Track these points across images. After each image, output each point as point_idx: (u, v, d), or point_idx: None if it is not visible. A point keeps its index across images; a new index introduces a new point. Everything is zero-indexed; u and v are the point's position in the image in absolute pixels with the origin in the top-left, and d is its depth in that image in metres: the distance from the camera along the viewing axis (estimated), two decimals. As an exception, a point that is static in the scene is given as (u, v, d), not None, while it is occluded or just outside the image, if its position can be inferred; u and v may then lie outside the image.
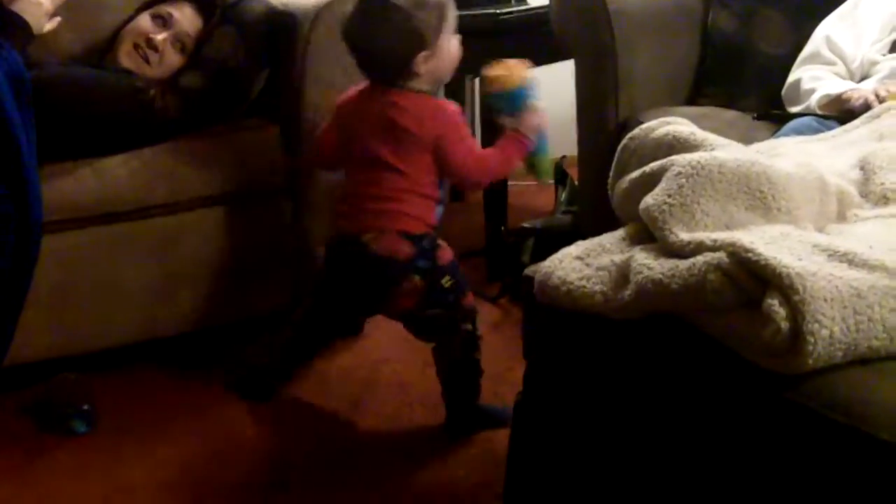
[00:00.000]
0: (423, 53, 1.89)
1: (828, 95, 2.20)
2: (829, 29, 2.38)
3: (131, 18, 2.37)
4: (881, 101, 2.02)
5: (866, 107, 2.02)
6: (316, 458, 1.96)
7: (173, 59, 2.30)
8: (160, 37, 2.29)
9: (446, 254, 1.98)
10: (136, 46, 2.29)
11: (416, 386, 2.20)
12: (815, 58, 2.35)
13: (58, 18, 2.17)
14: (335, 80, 2.25)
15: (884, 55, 2.27)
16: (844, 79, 2.30)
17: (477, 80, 2.97)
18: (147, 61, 2.28)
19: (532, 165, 2.08)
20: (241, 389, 2.17)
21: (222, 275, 2.28)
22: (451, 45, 1.95)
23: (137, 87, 2.16)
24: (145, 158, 2.15)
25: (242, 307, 2.35)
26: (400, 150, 1.91)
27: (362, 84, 2.00)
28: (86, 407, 2.05)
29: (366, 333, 2.44)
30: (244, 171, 2.26)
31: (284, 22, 2.27)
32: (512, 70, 1.99)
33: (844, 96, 2.16)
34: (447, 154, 1.92)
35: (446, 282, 1.96)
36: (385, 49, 1.89)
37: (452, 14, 1.94)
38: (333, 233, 2.02)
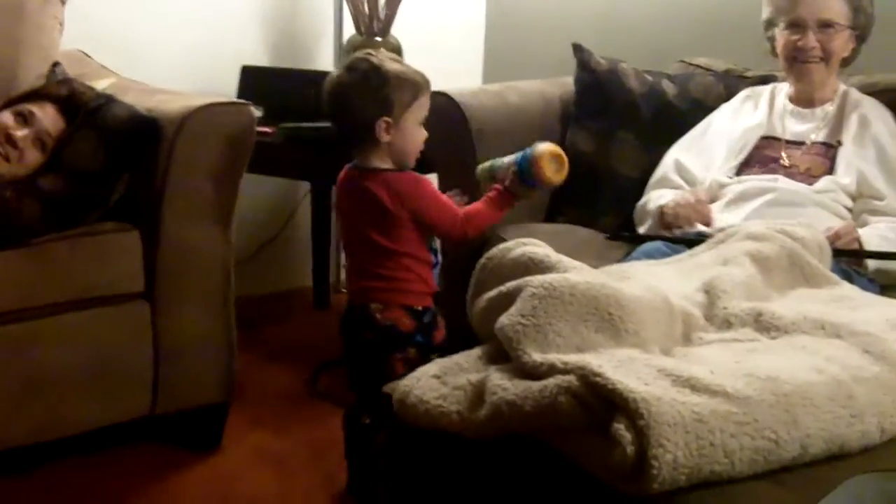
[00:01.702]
0: (386, 119, 1.97)
1: (658, 206, 2.33)
2: (678, 153, 2.49)
3: (-7, 115, 2.33)
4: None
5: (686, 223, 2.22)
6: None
7: (33, 156, 2.26)
8: (20, 133, 2.25)
9: (440, 334, 2.07)
10: (-6, 141, 2.25)
11: (270, 500, 2.20)
12: (664, 182, 2.45)
13: None
14: (199, 186, 2.25)
15: (730, 178, 2.37)
16: None
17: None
18: (6, 158, 2.23)
19: None
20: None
21: (78, 382, 2.19)
22: (416, 130, 2.04)
23: (-8, 191, 2.11)
24: (-6, 263, 2.08)
25: (99, 415, 2.26)
26: (387, 231, 2.00)
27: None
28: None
29: (222, 447, 2.41)
30: (101, 275, 2.20)
31: (147, 127, 2.25)
32: (566, 166, 2.01)
33: (665, 209, 2.31)
34: (427, 222, 2.02)
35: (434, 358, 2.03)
36: (354, 104, 1.99)
37: (425, 101, 2.04)
38: (346, 304, 2.13)
